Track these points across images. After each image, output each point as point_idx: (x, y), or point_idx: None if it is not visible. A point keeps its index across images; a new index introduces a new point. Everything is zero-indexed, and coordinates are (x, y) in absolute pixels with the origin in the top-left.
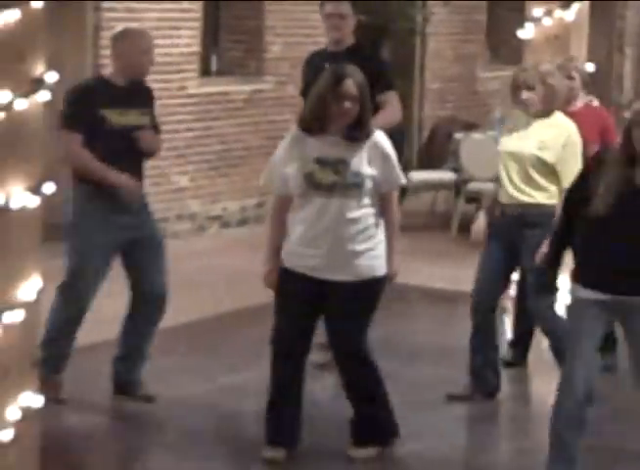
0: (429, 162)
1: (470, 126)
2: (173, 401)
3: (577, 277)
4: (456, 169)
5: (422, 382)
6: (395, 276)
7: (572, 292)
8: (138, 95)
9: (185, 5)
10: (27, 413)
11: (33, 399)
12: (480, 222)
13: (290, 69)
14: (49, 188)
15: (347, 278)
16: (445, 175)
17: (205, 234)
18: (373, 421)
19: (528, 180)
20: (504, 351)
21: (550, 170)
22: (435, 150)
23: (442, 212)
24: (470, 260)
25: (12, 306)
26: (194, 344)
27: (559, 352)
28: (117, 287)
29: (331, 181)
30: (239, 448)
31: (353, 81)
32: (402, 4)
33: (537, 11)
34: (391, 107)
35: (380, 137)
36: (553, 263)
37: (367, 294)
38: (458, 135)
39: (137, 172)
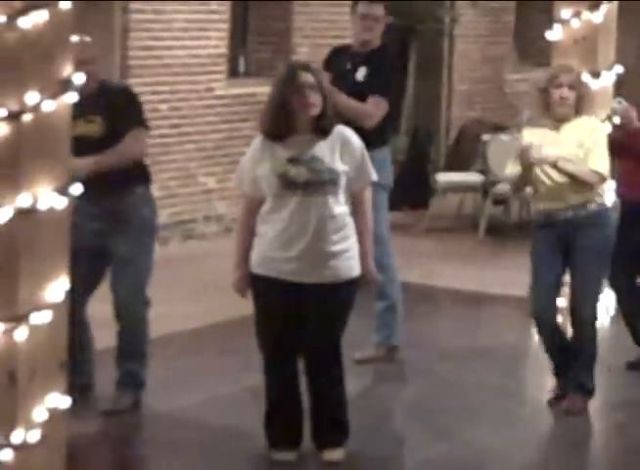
0: (456, 163)
1: (498, 128)
2: (201, 403)
3: None
4: (484, 171)
5: (449, 382)
6: (373, 279)
7: None
8: (89, 102)
9: (213, 6)
10: (55, 414)
11: (60, 401)
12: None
13: None
14: (76, 189)
15: (325, 280)
16: (473, 177)
17: (233, 235)
18: (340, 422)
19: (574, 182)
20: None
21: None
22: (463, 152)
23: (470, 214)
24: (497, 262)
25: (39, 308)
26: (221, 345)
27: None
28: None
29: (306, 179)
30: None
31: (309, 72)
32: (430, 5)
33: (565, 12)
34: (371, 106)
35: (350, 134)
36: None
37: (345, 295)
38: (486, 137)
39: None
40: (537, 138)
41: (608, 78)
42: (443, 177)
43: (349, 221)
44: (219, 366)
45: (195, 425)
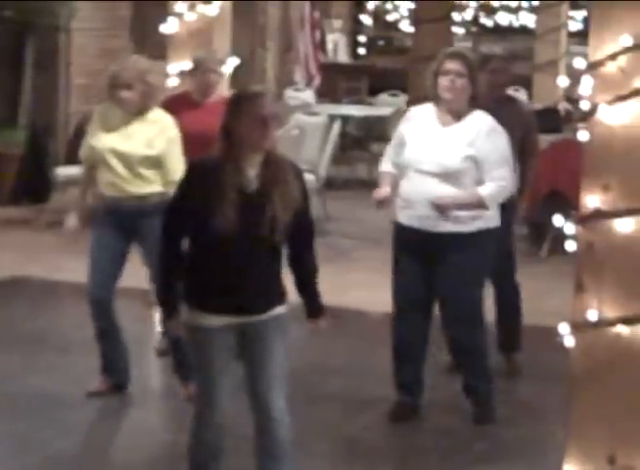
0: (76, 157)
1: None
2: None
3: (194, 302)
4: None
5: (76, 373)
6: None
7: (191, 319)
8: None
9: None
10: None
11: None
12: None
13: None
14: None
15: None
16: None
17: None
18: None
19: (137, 175)
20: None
21: (157, 164)
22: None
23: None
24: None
25: None
26: None
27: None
28: None
29: None
30: None
31: None
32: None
33: (180, 6)
34: None
35: None
36: (168, 291)
37: None
38: None
39: None
40: (104, 128)
41: (224, 70)
42: (63, 171)
43: None
44: None
45: None
